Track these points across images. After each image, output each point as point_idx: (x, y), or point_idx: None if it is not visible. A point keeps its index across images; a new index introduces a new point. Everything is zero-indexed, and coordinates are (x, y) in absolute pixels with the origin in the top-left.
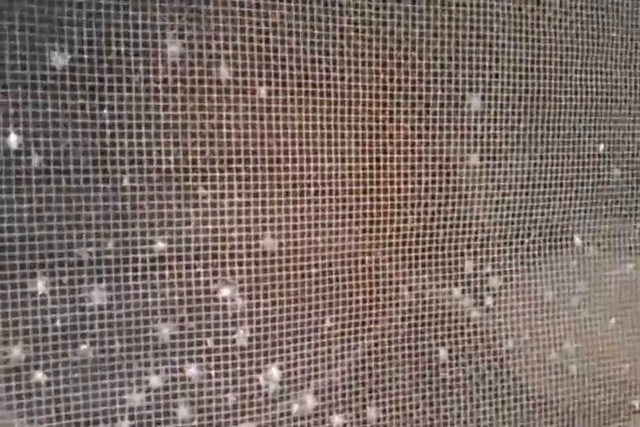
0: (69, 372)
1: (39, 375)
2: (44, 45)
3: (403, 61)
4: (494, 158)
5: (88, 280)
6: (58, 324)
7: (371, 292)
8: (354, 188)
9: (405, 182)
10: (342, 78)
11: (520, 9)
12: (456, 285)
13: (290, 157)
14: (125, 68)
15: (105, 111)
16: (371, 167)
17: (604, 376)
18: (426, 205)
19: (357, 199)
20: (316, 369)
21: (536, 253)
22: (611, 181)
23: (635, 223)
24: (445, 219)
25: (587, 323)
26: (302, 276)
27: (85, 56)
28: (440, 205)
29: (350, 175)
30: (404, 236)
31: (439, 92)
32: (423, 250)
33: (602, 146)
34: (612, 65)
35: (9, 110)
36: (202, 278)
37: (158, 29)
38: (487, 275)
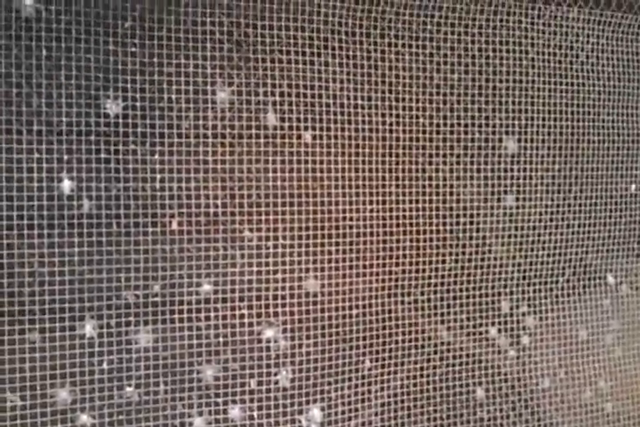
0: (114, 414)
1: (84, 418)
2: (99, 93)
3: (441, 106)
4: (530, 199)
5: (134, 323)
6: (104, 366)
7: (409, 332)
8: (394, 229)
9: (444, 224)
10: (384, 123)
11: (554, 54)
12: (493, 324)
13: (333, 199)
14: (176, 115)
15: (155, 157)
16: (410, 209)
17: (638, 414)
18: (464, 246)
19: (397, 240)
20: (355, 409)
21: (570, 292)
22: None
23: None
24: (482, 259)
25: (620, 361)
26: (343, 317)
27: (138, 104)
28: (477, 245)
29: (390, 217)
30: (442, 276)
31: (477, 135)
32: (460, 290)
33: (634, 186)
34: None
35: (63, 157)
36: (246, 320)
37: (208, 77)
38: (523, 314)
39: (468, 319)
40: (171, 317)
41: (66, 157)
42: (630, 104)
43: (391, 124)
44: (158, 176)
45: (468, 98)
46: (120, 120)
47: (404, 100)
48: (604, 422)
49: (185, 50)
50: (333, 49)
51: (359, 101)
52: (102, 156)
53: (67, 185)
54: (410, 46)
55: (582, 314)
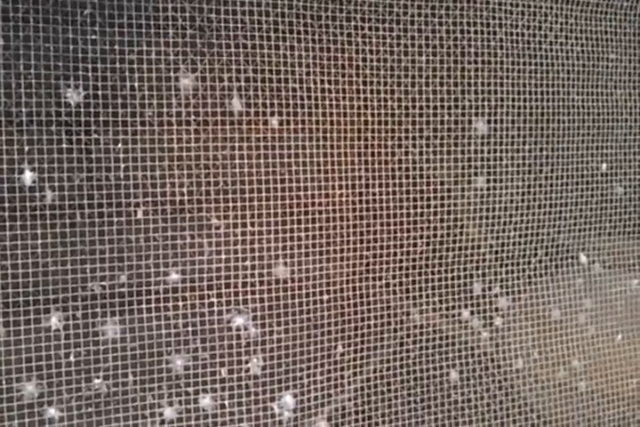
0: (83, 407)
1: (52, 411)
2: (59, 83)
3: (410, 88)
4: (501, 180)
5: (101, 314)
6: (72, 359)
7: (382, 316)
8: (364, 213)
9: (414, 207)
10: (352, 106)
11: (522, 35)
12: (465, 306)
13: (301, 185)
14: (139, 102)
15: (119, 145)
16: (380, 193)
17: (612, 392)
18: (435, 228)
19: (368, 224)
20: (329, 395)
21: (543, 272)
22: (614, 200)
23: (637, 240)
24: (454, 241)
25: (594, 340)
26: (314, 302)
27: (100, 92)
28: (449, 228)
29: (360, 201)
30: (414, 259)
31: (446, 118)
32: (432, 273)
33: (604, 165)
34: (611, 86)
35: (24, 148)
36: (215, 308)
37: (171, 64)
38: (496, 296)
39: (441, 302)
40: (138, 307)
41: (27, 147)
42: (600, 83)
43: (359, 108)
44: (122, 165)
45: (436, 80)
46: (82, 109)
47: (371, 83)
48: (578, 401)
49: (147, 36)
50: (299, 33)
51: (326, 86)
52: (64, 146)
53: (28, 176)
54: (377, 29)
55: (555, 294)
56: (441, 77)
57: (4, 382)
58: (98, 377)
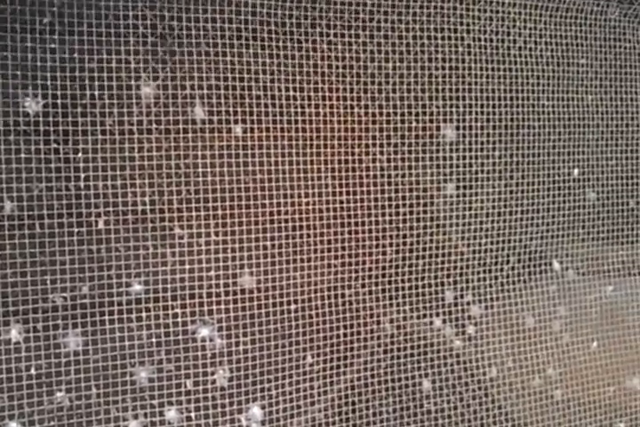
0: (45, 420)
1: (14, 425)
2: (18, 92)
3: (377, 95)
4: (470, 187)
5: (63, 326)
6: (32, 371)
7: (351, 325)
8: (331, 222)
9: (383, 214)
10: (317, 114)
11: (491, 40)
12: (437, 315)
13: (266, 193)
14: (99, 111)
15: (79, 155)
16: (348, 201)
17: (588, 400)
18: (404, 236)
19: (335, 233)
20: (298, 407)
21: (515, 279)
22: (586, 205)
23: (611, 246)
24: (424, 249)
25: (569, 347)
26: (282, 312)
27: (59, 101)
28: (418, 235)
29: (327, 209)
30: (384, 268)
31: (414, 124)
32: (403, 281)
33: (576, 170)
34: (582, 91)
35: None
36: (180, 319)
37: (132, 72)
38: (468, 304)
39: (412, 310)
40: (101, 318)
41: None
42: (570, 88)
43: (325, 115)
44: (82, 175)
45: (403, 86)
46: (40, 118)
47: (337, 90)
48: (553, 410)
49: (107, 45)
50: (263, 40)
51: (291, 93)
52: (23, 155)
53: None
54: (342, 35)
55: (529, 301)
56: (408, 84)
57: None
58: (60, 390)
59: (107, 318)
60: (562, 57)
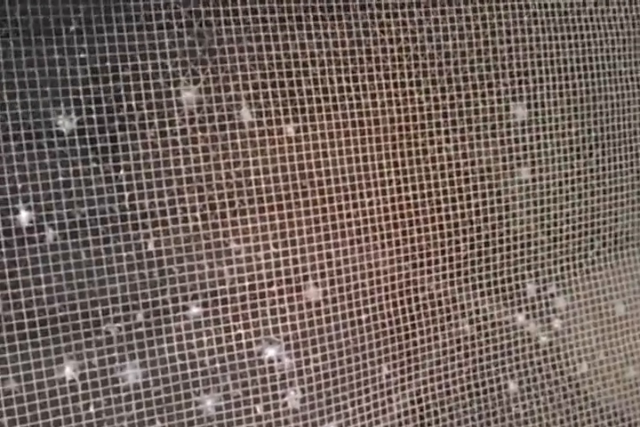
0: None
1: None
2: (49, 110)
3: (438, 77)
4: (547, 169)
5: (119, 358)
6: (92, 410)
7: (428, 331)
8: (399, 220)
9: (454, 208)
10: (374, 104)
11: (558, 5)
12: (520, 310)
13: (326, 196)
14: (139, 123)
15: (121, 172)
16: (414, 196)
17: None
18: (478, 229)
19: (403, 232)
20: (377, 422)
21: (602, 265)
22: None
23: None
24: (501, 241)
25: None
26: (352, 324)
27: (94, 116)
28: (493, 227)
29: (393, 208)
30: (458, 265)
31: (480, 106)
32: (480, 278)
33: None
34: None
35: (16, 185)
36: (243, 341)
37: (170, 77)
38: (552, 296)
39: (492, 308)
40: (159, 347)
41: (19, 185)
42: None
43: (383, 105)
44: (127, 194)
45: (466, 65)
46: (76, 137)
47: (394, 76)
48: None
49: (140, 49)
50: (309, 28)
51: (344, 84)
52: (60, 179)
53: (24, 216)
54: (395, 15)
55: (617, 288)
56: (471, 62)
57: None
58: (122, 426)
59: (165, 345)
60: (637, 17)
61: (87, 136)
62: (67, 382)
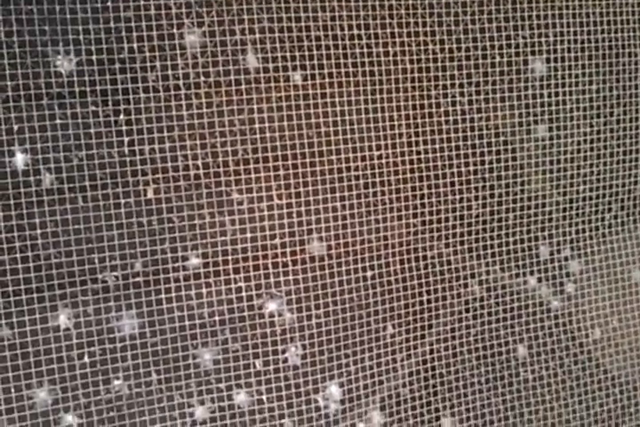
0: (104, 411)
1: (70, 418)
2: (47, 50)
3: (454, 28)
4: (565, 128)
5: (116, 308)
6: (86, 359)
7: (436, 290)
8: (408, 176)
9: (466, 164)
10: (386, 53)
11: None
12: (532, 273)
13: (333, 148)
14: (140, 66)
15: (121, 117)
16: (425, 151)
17: None
18: (491, 187)
19: (413, 188)
20: (380, 382)
21: (619, 229)
22: None
23: None
24: (515, 201)
25: None
26: (357, 280)
27: (94, 57)
28: (507, 186)
29: (403, 162)
30: (469, 224)
31: (497, 59)
32: (492, 238)
33: None
34: None
35: (12, 127)
36: (244, 294)
37: (174, 19)
38: (566, 259)
39: (503, 270)
40: (157, 297)
41: (16, 126)
42: None
43: (395, 55)
44: (126, 139)
45: (483, 16)
46: (75, 78)
47: (408, 24)
48: None
49: None
50: None
51: (355, 31)
52: (58, 121)
53: (20, 159)
54: None
55: (634, 253)
56: (489, 13)
57: (13, 390)
58: (117, 378)
59: (163, 296)
60: None
61: (86, 78)
62: (61, 331)
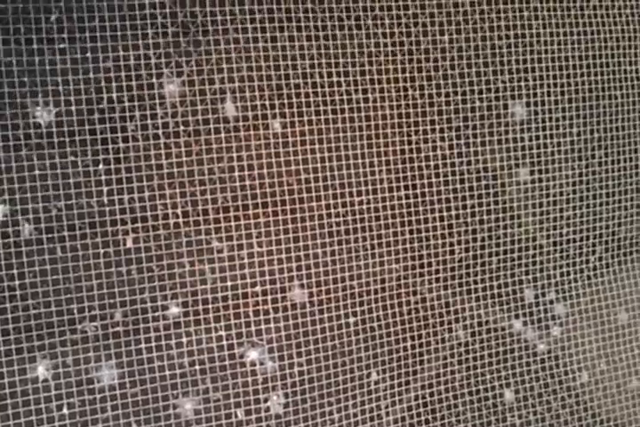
0: None
1: None
2: (27, 101)
3: (433, 73)
4: (547, 171)
5: (95, 358)
6: (65, 411)
7: (420, 335)
8: (390, 221)
9: (448, 209)
10: (366, 100)
11: (560, 0)
12: (517, 317)
13: (314, 194)
14: (119, 115)
15: (100, 166)
16: (407, 196)
17: None
18: (474, 231)
19: (395, 233)
20: None
21: (604, 271)
22: None
23: None
24: (498, 244)
25: None
26: (340, 327)
27: (73, 108)
28: (490, 229)
29: (384, 208)
30: (452, 269)
31: (477, 104)
32: (475, 282)
33: None
34: None
35: None
36: (224, 342)
37: (153, 69)
38: (551, 302)
39: (487, 314)
40: (137, 347)
41: None
42: None
43: (375, 101)
44: (105, 189)
45: (463, 61)
46: (54, 129)
47: (387, 71)
48: None
49: (123, 40)
50: (299, 21)
51: (335, 78)
52: (37, 172)
53: None
54: (389, 8)
55: (620, 295)
56: (468, 58)
57: None
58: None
59: (143, 346)
60: None
61: (66, 129)
62: (39, 382)
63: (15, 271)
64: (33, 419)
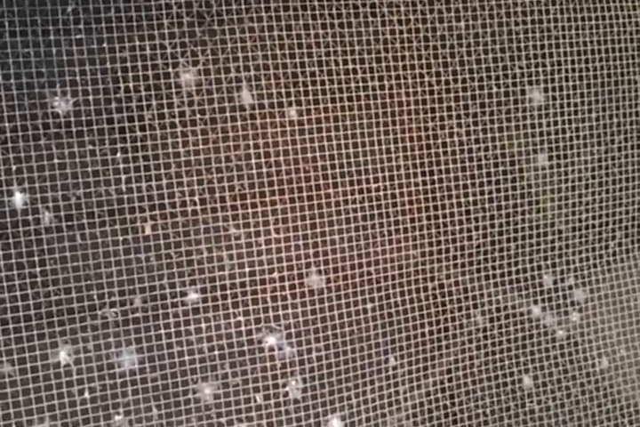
0: None
1: None
2: (45, 91)
3: (449, 60)
4: (565, 156)
5: (116, 344)
6: (86, 395)
7: (438, 321)
8: (407, 207)
9: (466, 195)
10: (382, 87)
11: None
12: (535, 302)
13: (330, 181)
14: (136, 105)
15: (117, 155)
16: (424, 182)
17: None
18: (492, 217)
19: (412, 220)
20: (383, 415)
21: (624, 256)
22: None
23: None
24: (516, 230)
25: None
26: (357, 313)
27: (91, 97)
28: (508, 215)
29: (402, 194)
30: (470, 255)
31: (494, 90)
32: (494, 268)
33: None
34: None
35: (11, 167)
36: (243, 328)
37: (169, 58)
38: (570, 288)
39: (506, 300)
40: (156, 333)
41: (14, 166)
42: None
43: (391, 88)
44: (123, 177)
45: (479, 47)
46: (72, 119)
47: (403, 58)
48: None
49: (139, 30)
50: (313, 9)
51: (350, 66)
52: (56, 161)
53: (19, 198)
54: None
55: None
56: (485, 44)
57: (14, 426)
58: (118, 413)
59: (163, 331)
60: None
61: (83, 118)
62: (61, 367)
63: (36, 258)
64: (55, 403)
